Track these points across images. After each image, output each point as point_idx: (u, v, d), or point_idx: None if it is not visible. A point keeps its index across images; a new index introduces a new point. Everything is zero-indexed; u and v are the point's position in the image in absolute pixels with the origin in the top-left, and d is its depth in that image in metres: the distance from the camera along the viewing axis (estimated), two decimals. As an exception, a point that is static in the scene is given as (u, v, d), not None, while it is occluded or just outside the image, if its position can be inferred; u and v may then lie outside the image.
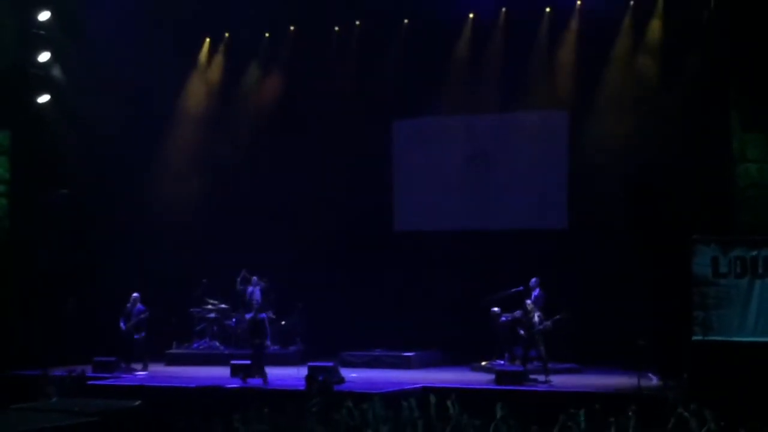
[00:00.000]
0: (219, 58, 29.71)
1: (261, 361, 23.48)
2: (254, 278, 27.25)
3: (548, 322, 22.92)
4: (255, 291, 27.34)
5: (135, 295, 25.73)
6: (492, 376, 22.50)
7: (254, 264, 27.28)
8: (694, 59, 22.73)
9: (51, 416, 15.08)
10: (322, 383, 21.22)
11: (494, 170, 27.36)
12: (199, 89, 29.69)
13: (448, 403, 16.15)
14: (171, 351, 27.41)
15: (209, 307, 27.65)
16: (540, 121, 26.85)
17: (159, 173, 28.64)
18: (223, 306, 27.66)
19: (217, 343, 27.53)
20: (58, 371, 23.08)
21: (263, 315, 24.69)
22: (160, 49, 27.66)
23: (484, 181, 27.47)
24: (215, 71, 29.77)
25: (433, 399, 16.39)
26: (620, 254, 23.63)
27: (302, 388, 21.36)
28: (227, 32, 29.48)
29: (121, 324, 25.50)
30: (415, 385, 21.40)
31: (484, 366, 24.54)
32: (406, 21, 27.77)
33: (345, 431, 15.21)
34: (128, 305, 25.69)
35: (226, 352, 26.78)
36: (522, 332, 23.36)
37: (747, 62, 20.78)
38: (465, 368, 24.96)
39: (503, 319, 24.41)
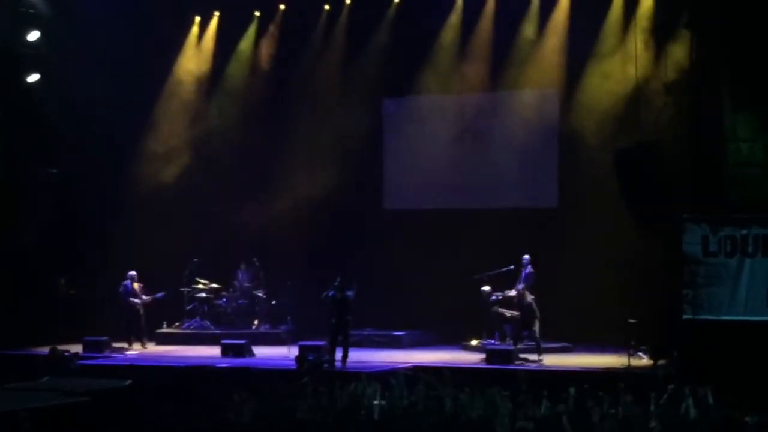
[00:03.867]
0: (209, 37, 29.60)
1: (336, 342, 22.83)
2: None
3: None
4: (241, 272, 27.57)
5: (132, 273, 26.16)
6: (483, 355, 22.55)
7: (244, 243, 27.37)
8: (685, 37, 22.66)
9: (42, 396, 15.04)
10: (312, 363, 21.24)
11: (484, 148, 27.38)
12: (188, 67, 29.57)
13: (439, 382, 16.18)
14: (161, 330, 27.41)
15: (200, 286, 27.63)
16: (530, 100, 26.79)
17: (148, 152, 28.54)
18: (213, 285, 27.65)
19: (208, 323, 27.51)
20: (48, 351, 23.04)
21: (348, 293, 23.06)
22: (150, 28, 27.52)
23: (473, 159, 27.49)
24: (205, 50, 29.67)
25: (424, 378, 16.41)
26: (610, 232, 23.66)
27: (293, 367, 21.38)
28: (217, 11, 29.38)
29: (134, 301, 26.06)
30: (406, 365, 21.43)
31: (475, 345, 24.58)
32: (396, -1, 27.82)
33: (335, 410, 15.20)
34: (129, 283, 26.12)
35: (217, 331, 26.78)
36: (512, 313, 23.38)
37: (738, 41, 20.74)
38: (456, 347, 25.01)
39: (494, 297, 24.43)
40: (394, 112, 28.62)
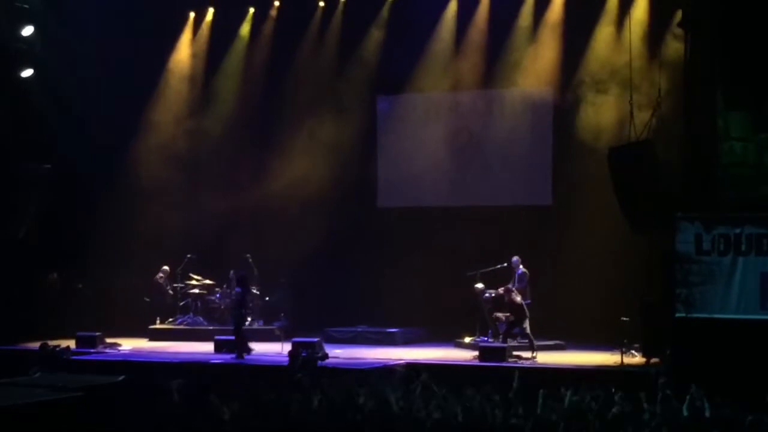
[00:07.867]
0: (203, 32, 29.59)
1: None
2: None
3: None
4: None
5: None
6: (476, 353, 22.55)
7: (238, 239, 27.34)
8: (680, 36, 22.66)
9: (34, 391, 15.02)
10: (305, 359, 21.23)
11: (478, 146, 27.36)
12: (183, 63, 29.58)
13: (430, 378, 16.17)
14: (154, 326, 27.39)
15: (193, 282, 27.62)
16: (525, 98, 26.81)
17: (142, 147, 28.51)
18: (207, 281, 27.64)
19: (201, 319, 27.50)
20: (41, 346, 22.99)
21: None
22: (144, 23, 27.51)
23: (467, 157, 27.47)
24: (199, 46, 29.65)
25: (416, 375, 16.40)
26: (604, 230, 23.64)
27: (286, 363, 21.37)
28: (212, 6, 29.36)
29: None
30: (399, 362, 21.43)
31: (468, 342, 24.58)
32: (391, -4, 27.80)
33: (329, 407, 15.19)
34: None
35: (210, 327, 26.78)
36: (506, 315, 23.36)
37: (732, 40, 20.73)
38: (449, 344, 25.00)
39: (487, 295, 24.44)
40: (389, 109, 28.61)
